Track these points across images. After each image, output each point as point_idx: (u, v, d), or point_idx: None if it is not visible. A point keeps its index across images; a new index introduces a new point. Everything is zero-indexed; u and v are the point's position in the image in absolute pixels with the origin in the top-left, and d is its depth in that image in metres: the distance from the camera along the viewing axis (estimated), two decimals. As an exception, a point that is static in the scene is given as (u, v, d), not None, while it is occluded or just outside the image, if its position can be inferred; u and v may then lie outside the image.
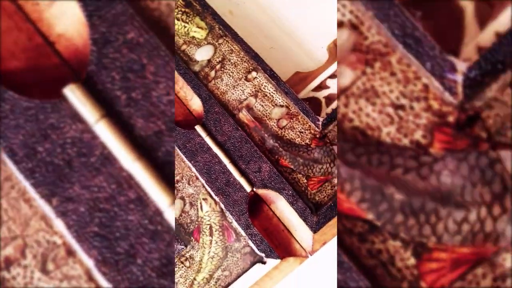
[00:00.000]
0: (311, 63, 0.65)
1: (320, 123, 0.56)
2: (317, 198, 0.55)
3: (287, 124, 0.57)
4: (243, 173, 0.55)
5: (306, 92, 0.61)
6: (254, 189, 0.55)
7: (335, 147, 0.55)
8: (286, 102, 0.58)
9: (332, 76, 0.61)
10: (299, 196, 0.54)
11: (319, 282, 0.60)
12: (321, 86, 0.61)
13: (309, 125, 0.56)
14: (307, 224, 0.53)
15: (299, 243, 0.55)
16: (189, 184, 0.57)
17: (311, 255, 0.54)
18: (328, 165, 0.55)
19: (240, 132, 0.57)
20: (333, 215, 0.53)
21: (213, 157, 0.56)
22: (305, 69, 0.65)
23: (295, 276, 0.57)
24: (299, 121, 0.57)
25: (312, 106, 0.60)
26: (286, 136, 0.57)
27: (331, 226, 0.54)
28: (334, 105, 0.60)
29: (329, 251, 0.57)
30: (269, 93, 0.58)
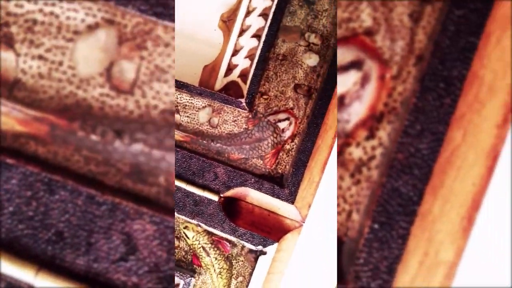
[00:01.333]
0: (213, 50, 0.63)
1: (244, 103, 0.55)
2: (279, 171, 0.55)
3: (219, 121, 0.56)
4: (204, 187, 0.55)
5: (220, 80, 0.59)
6: (221, 195, 0.55)
7: (270, 117, 0.55)
8: (206, 102, 0.57)
9: (235, 53, 0.59)
10: (263, 178, 0.54)
11: (326, 237, 0.61)
12: (230, 68, 0.59)
13: (238, 111, 0.56)
14: (281, 199, 0.53)
15: (288, 218, 0.56)
16: (165, 221, 0.57)
17: (304, 222, 0.55)
18: (272, 137, 0.54)
19: (181, 152, 0.56)
20: (299, 178, 0.53)
21: (171, 187, 0.56)
22: (211, 58, 0.63)
23: (303, 246, 0.58)
24: (227, 112, 0.56)
25: (233, 90, 0.59)
26: (224, 132, 0.56)
27: (306, 188, 0.54)
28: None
29: (319, 207, 0.57)
30: (187, 101, 0.57)
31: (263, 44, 0.54)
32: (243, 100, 0.54)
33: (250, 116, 0.55)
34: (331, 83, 0.52)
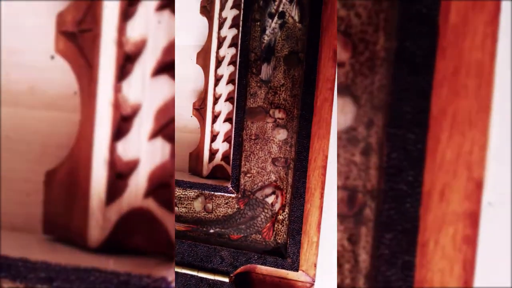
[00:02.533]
0: (194, 134, 0.68)
1: (230, 187, 0.58)
2: (279, 241, 0.58)
3: (212, 206, 0.60)
4: (213, 271, 0.59)
5: (206, 166, 0.64)
6: (231, 275, 0.59)
7: (257, 194, 0.58)
8: (197, 192, 0.61)
9: (213, 138, 0.63)
10: (265, 252, 0.57)
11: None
12: (212, 153, 0.63)
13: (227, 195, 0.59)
14: (287, 269, 0.56)
15: (299, 281, 0.58)
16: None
17: (314, 281, 0.58)
18: (263, 213, 0.58)
19: (186, 242, 0.60)
20: (297, 246, 0.56)
21: (183, 278, 0.60)
22: (194, 143, 0.67)
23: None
24: (218, 197, 0.60)
25: (220, 173, 0.63)
26: (219, 215, 0.60)
27: (307, 251, 0.57)
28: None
29: (325, 262, 0.60)
30: (181, 193, 0.61)
31: (235, 128, 0.58)
32: (229, 185, 0.58)
33: (239, 196, 0.59)
34: (304, 151, 0.55)
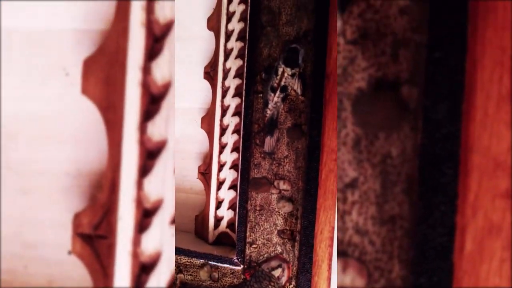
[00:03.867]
0: (199, 196, 0.68)
1: (236, 259, 0.58)
2: (286, 313, 0.57)
3: (218, 275, 0.60)
4: None
5: (212, 233, 0.63)
6: None
7: (263, 266, 0.57)
8: (202, 261, 0.60)
9: (218, 205, 0.63)
10: (272, 325, 0.56)
11: None
12: (218, 219, 0.63)
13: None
14: None
15: None
16: None
17: None
18: (270, 286, 0.57)
19: (193, 312, 0.60)
20: (306, 320, 0.54)
21: None
22: (200, 204, 0.67)
23: None
24: (223, 268, 0.59)
25: (225, 240, 0.63)
26: (225, 284, 0.59)
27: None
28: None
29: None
30: (187, 261, 0.61)
31: (240, 197, 0.58)
32: (234, 257, 0.58)
33: (245, 267, 0.58)
34: (310, 226, 0.54)
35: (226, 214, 0.62)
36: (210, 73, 0.63)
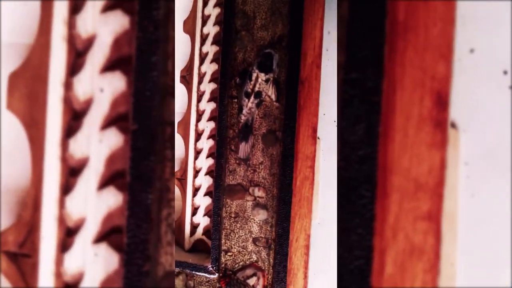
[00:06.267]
0: (177, 202, 0.66)
1: (211, 268, 0.57)
2: (262, 323, 0.56)
3: (194, 283, 0.59)
4: None
5: (188, 240, 0.62)
6: None
7: (238, 274, 0.56)
8: (177, 270, 0.59)
9: (194, 211, 0.62)
10: (247, 335, 0.55)
11: None
12: (194, 226, 0.62)
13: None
14: None
15: None
16: None
17: None
18: (245, 294, 0.56)
19: (168, 321, 0.58)
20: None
21: None
22: (177, 212, 0.66)
23: None
24: (199, 276, 0.58)
25: (201, 247, 0.62)
26: (201, 293, 0.59)
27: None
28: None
29: None
30: (162, 269, 0.60)
31: (214, 204, 0.57)
32: (209, 265, 0.57)
33: (220, 275, 0.57)
34: (284, 234, 0.53)
35: (202, 221, 0.61)
36: (186, 77, 0.62)
